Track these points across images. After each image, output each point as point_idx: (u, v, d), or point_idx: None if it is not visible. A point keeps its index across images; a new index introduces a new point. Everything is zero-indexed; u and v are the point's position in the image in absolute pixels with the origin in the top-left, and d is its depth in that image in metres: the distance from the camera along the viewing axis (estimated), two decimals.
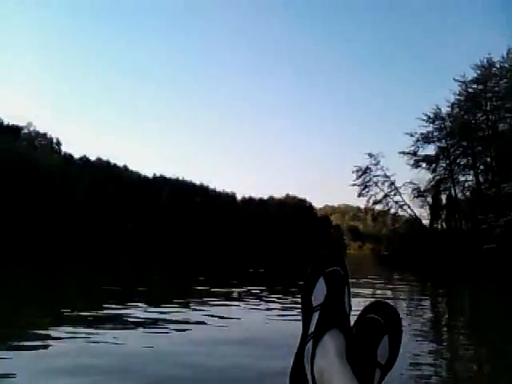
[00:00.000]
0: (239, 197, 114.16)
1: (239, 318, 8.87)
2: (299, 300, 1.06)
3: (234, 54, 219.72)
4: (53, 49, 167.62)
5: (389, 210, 42.64)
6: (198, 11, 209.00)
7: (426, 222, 41.83)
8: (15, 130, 77.14)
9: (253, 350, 6.23)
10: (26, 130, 79.57)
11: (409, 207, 41.37)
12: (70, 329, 6.98)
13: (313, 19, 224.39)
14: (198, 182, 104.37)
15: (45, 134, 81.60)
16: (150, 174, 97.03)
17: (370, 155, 41.13)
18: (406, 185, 40.96)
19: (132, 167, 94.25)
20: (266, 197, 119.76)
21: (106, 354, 5.62)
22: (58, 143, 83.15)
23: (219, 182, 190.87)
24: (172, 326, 7.61)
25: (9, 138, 68.22)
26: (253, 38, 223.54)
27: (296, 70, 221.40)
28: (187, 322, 8.18)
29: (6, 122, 76.78)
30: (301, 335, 1.01)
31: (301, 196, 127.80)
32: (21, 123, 79.42)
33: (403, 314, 9.33)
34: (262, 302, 11.31)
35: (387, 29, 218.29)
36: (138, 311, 9.07)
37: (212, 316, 8.77)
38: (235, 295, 13.37)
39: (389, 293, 15.85)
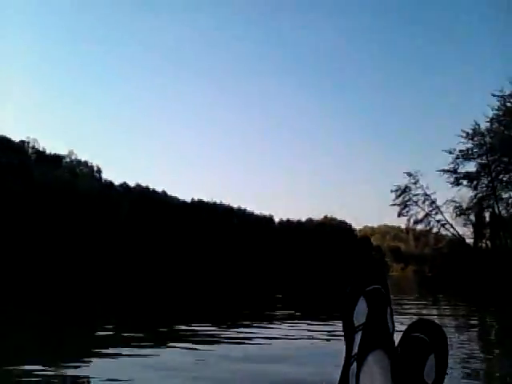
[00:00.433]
0: (277, 219, 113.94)
1: (285, 338, 8.81)
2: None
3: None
4: (88, 80, 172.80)
5: (431, 229, 41.65)
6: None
7: (469, 240, 40.57)
8: (57, 158, 79.66)
9: (301, 367, 6.20)
10: (67, 159, 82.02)
11: (451, 226, 40.28)
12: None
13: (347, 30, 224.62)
14: (235, 205, 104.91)
15: (86, 162, 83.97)
16: (188, 199, 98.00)
17: (409, 174, 40.48)
18: (447, 203, 39.96)
19: (170, 192, 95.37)
20: (304, 219, 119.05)
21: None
22: (99, 170, 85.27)
23: (256, 205, 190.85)
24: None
25: (51, 166, 70.61)
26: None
27: (329, 91, 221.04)
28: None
29: (48, 152, 79.56)
30: (345, 356, 1.01)
31: (340, 217, 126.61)
32: (62, 152, 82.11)
33: (449, 333, 8.96)
34: (305, 324, 11.15)
35: (420, 38, 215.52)
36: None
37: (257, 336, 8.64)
38: (279, 317, 13.24)
39: (434, 312, 15.36)
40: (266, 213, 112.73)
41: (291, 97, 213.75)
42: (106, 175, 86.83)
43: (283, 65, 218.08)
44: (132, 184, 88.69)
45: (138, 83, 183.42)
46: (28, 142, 77.09)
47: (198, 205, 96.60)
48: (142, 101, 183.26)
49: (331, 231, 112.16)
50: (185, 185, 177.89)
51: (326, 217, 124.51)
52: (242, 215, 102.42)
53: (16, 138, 74.90)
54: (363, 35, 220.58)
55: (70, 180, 71.34)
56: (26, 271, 45.53)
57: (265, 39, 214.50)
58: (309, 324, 11.15)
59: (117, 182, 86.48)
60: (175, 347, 7.72)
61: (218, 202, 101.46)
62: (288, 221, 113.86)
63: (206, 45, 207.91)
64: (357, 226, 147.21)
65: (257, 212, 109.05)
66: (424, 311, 15.93)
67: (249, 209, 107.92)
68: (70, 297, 17.56)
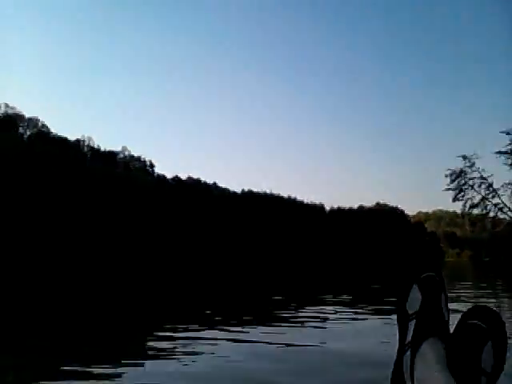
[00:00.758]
0: (328, 207, 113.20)
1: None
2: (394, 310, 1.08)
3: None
4: (143, 74, 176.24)
5: (487, 213, 40.38)
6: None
7: None
8: (111, 155, 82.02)
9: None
10: (121, 155, 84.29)
11: (509, 210, 38.99)
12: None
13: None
14: (285, 195, 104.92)
15: (139, 158, 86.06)
16: (238, 190, 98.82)
17: (464, 157, 39.28)
18: (504, 186, 38.64)
19: (221, 184, 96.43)
20: (355, 206, 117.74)
21: None
22: (152, 165, 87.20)
23: (307, 195, 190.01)
24: None
25: (106, 163, 72.91)
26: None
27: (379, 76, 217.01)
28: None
29: (102, 149, 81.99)
30: (398, 344, 1.04)
31: (392, 204, 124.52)
32: (116, 149, 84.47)
33: (508, 321, 8.83)
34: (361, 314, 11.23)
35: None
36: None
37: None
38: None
39: (491, 299, 15.08)
40: (317, 201, 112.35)
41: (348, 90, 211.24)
42: (158, 169, 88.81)
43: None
44: (184, 177, 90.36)
45: (187, 79, 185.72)
46: (83, 141, 79.65)
47: (249, 195, 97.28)
48: (191, 95, 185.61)
49: (383, 218, 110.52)
50: (235, 176, 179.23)
51: (377, 203, 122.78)
52: (292, 204, 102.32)
53: (72, 137, 77.66)
54: None
55: (125, 175, 73.31)
56: (82, 265, 47.29)
57: None
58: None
59: (169, 176, 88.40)
60: None
61: (268, 191, 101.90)
62: (339, 209, 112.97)
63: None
64: (410, 212, 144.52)
65: (307, 201, 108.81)
66: (481, 298, 15.67)
67: (299, 197, 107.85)
68: (135, 293, 18.14)
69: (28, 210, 55.43)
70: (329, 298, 15.31)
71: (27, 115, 73.11)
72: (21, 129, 72.30)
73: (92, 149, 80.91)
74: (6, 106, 71.52)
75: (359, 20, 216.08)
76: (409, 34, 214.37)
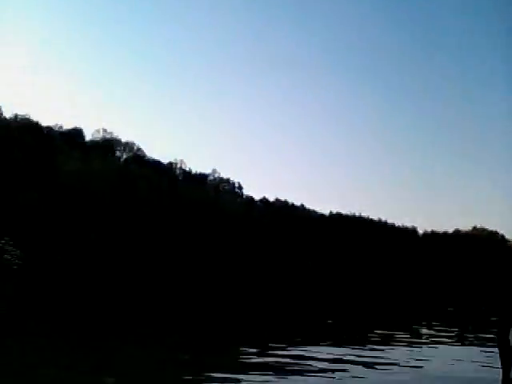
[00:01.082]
0: (421, 231, 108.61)
1: None
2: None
3: None
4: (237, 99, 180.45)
5: None
6: None
7: None
8: (202, 177, 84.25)
9: None
10: (211, 177, 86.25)
11: None
12: None
13: None
14: (375, 218, 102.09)
15: (228, 180, 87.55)
16: (326, 212, 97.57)
17: None
18: None
19: (309, 206, 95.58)
20: (451, 230, 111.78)
21: None
22: (240, 187, 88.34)
23: (397, 218, 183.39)
24: None
25: (197, 185, 75.09)
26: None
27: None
28: None
29: (193, 171, 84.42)
30: (501, 378, 1.00)
31: (490, 228, 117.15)
32: (207, 171, 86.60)
33: None
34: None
35: None
36: None
37: None
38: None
39: None
40: (409, 224, 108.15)
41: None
42: (246, 191, 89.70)
43: None
44: (271, 199, 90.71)
45: (273, 101, 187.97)
46: (176, 163, 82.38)
47: (337, 218, 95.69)
48: (275, 116, 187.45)
49: (481, 243, 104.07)
50: (321, 197, 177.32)
51: (474, 227, 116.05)
52: (382, 227, 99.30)
53: (165, 160, 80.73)
54: None
55: (214, 197, 74.85)
56: (176, 285, 48.17)
57: None
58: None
59: (257, 197, 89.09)
60: None
61: (356, 214, 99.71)
62: (433, 233, 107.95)
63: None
64: (510, 236, 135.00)
65: (398, 223, 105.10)
66: None
67: (389, 221, 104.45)
68: (232, 313, 18.24)
69: (124, 228, 57.77)
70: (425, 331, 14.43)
71: (123, 139, 76.97)
72: (118, 152, 76.16)
73: (184, 171, 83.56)
74: (104, 131, 75.77)
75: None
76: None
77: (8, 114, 65.79)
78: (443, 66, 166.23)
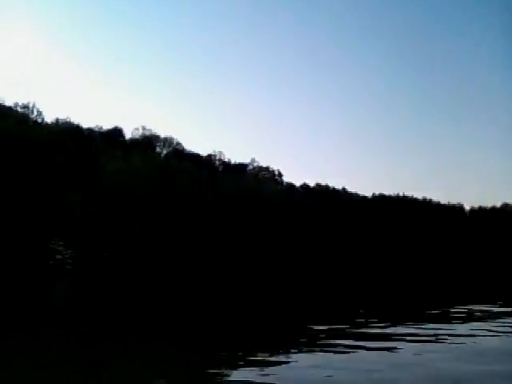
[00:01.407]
0: (467, 207, 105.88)
1: None
2: None
3: None
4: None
5: None
6: None
7: None
8: (241, 167, 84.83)
9: None
10: (250, 166, 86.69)
11: None
12: None
13: None
14: (419, 197, 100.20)
15: (267, 168, 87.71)
16: (369, 194, 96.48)
17: None
18: None
19: (350, 189, 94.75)
20: (498, 204, 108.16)
21: None
22: (280, 174, 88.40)
23: (446, 195, 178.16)
24: None
25: (236, 174, 75.72)
26: None
27: None
28: None
29: (233, 162, 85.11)
30: None
31: None
32: (245, 161, 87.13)
33: None
34: None
35: None
36: None
37: None
38: None
39: None
40: (454, 201, 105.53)
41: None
42: (286, 178, 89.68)
43: None
44: (312, 184, 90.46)
45: (303, 88, 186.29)
46: (215, 155, 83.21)
47: (380, 199, 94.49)
48: (312, 99, 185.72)
49: None
50: (363, 180, 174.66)
51: None
52: (427, 206, 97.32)
53: (204, 153, 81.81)
54: None
55: (255, 186, 75.23)
56: (220, 275, 49.00)
57: None
58: None
59: (297, 184, 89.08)
60: None
61: (400, 194, 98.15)
62: (480, 208, 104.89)
63: None
64: None
65: (443, 201, 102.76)
66: None
67: (434, 199, 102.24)
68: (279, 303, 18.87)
69: (168, 222, 58.94)
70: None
71: (162, 135, 78.23)
72: (158, 148, 77.50)
73: (223, 162, 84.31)
74: (143, 128, 77.21)
75: None
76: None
77: (49, 118, 68.14)
78: None
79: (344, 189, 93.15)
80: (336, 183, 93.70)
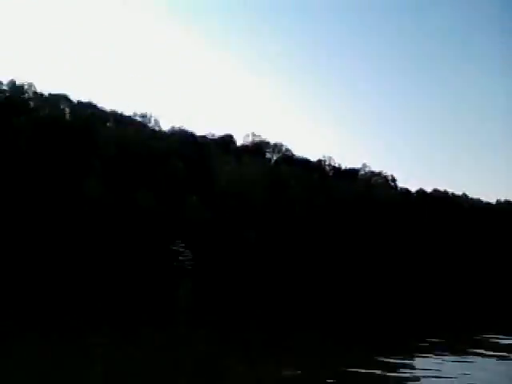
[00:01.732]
0: None
1: None
2: None
3: None
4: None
5: None
6: None
7: None
8: (353, 172, 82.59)
9: None
10: (362, 172, 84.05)
11: None
12: None
13: None
14: None
15: (380, 173, 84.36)
16: (492, 201, 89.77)
17: None
18: None
19: (472, 195, 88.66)
20: None
21: None
22: (394, 179, 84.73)
23: None
24: None
25: (347, 180, 73.92)
26: None
27: None
28: None
29: (343, 167, 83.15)
30: None
31: None
32: (356, 166, 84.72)
33: None
34: None
35: None
36: None
37: None
38: None
39: None
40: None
41: None
42: (401, 184, 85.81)
43: None
44: (429, 190, 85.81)
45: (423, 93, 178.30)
46: (324, 160, 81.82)
47: (507, 206, 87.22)
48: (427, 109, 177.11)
49: None
50: (484, 186, 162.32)
51: None
52: None
53: (314, 158, 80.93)
54: None
55: (367, 191, 72.79)
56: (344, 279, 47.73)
57: None
58: None
59: (413, 189, 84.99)
60: None
61: None
62: None
63: None
64: None
65: None
66: None
67: None
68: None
69: (280, 226, 58.81)
70: None
71: (272, 141, 78.48)
72: (267, 154, 77.71)
73: (333, 167, 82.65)
74: (254, 134, 77.90)
75: None
76: None
77: (166, 127, 71.01)
78: None
79: (465, 194, 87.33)
80: (454, 188, 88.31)
